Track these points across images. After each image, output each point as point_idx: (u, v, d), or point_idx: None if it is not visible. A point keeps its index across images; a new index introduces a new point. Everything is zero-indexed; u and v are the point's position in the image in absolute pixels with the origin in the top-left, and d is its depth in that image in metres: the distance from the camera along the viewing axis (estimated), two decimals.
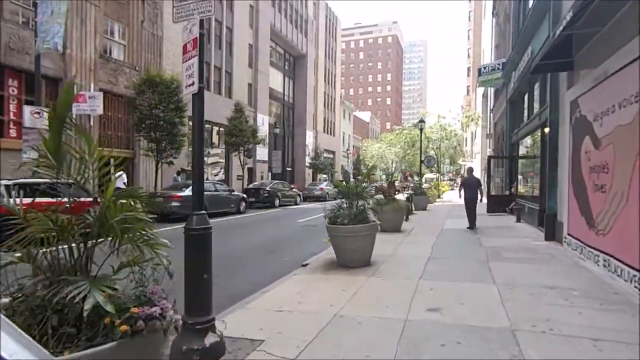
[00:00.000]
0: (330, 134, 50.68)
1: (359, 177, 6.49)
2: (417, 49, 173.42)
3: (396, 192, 9.83)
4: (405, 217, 12.46)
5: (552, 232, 7.81)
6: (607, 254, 5.08)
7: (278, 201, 18.82)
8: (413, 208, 16.12)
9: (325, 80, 48.74)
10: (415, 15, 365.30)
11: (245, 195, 16.17)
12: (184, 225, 2.95)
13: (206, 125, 23.82)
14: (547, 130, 8.79)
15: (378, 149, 54.62)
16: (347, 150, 51.93)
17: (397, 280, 4.94)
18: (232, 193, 15.33)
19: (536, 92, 10.65)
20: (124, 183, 15.98)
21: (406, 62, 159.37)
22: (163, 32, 19.31)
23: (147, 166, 18.05)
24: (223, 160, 25.25)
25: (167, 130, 13.59)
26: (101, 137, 16.53)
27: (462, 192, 10.12)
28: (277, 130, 25.39)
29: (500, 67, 16.37)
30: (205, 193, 13.59)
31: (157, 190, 14.32)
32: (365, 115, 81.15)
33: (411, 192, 18.29)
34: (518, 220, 11.26)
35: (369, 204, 5.99)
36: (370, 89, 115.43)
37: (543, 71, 7.58)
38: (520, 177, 13.83)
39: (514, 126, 14.53)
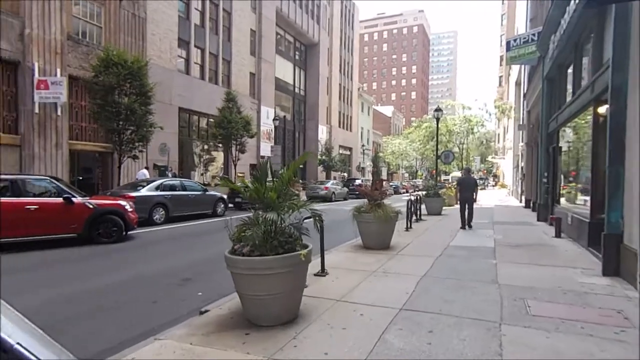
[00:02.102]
0: (347, 129, 47.85)
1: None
2: (446, 41, 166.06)
3: (384, 195, 7.21)
4: (407, 225, 9.83)
5: (616, 263, 4.98)
6: None
7: None
8: (423, 212, 13.37)
9: (340, 71, 45.95)
10: (444, 6, 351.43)
11: (224, 195, 13.93)
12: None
13: (200, 118, 21.93)
14: (601, 109, 5.96)
15: (398, 145, 51.43)
16: (363, 146, 48.95)
17: None
18: (207, 193, 13.16)
19: (586, 57, 7.68)
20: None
21: (434, 54, 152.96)
22: (146, 14, 17.43)
23: (131, 161, 16.25)
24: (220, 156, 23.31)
25: (128, 118, 11.52)
26: (73, 130, 14.82)
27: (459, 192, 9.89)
28: (277, 122, 23.04)
29: (535, 38, 13.22)
30: (168, 193, 11.48)
31: (107, 190, 12.36)
32: (387, 110, 77.41)
33: (422, 192, 15.52)
34: (557, 235, 8.32)
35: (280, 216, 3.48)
36: (394, 82, 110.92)
37: (606, 1, 4.74)
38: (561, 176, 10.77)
39: (551, 111, 11.45)
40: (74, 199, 7.55)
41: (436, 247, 7.09)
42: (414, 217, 11.70)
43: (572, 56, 8.95)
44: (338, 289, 4.36)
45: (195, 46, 21.17)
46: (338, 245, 7.33)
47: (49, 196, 7.50)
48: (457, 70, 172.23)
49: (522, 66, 22.80)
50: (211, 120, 21.90)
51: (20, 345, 0.69)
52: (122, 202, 8.58)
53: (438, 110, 17.97)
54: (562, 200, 10.05)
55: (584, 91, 7.18)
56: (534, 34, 13.52)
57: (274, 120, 22.95)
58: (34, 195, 7.42)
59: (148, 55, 17.61)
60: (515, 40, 14.29)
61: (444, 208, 15.40)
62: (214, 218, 12.85)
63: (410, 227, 9.88)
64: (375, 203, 6.93)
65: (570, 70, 9.52)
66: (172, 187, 11.87)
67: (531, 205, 16.82)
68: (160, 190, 11.38)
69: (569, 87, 9.17)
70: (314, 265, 5.16)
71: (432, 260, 5.87)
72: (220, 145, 19.00)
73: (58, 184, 7.85)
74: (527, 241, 7.80)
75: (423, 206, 13.93)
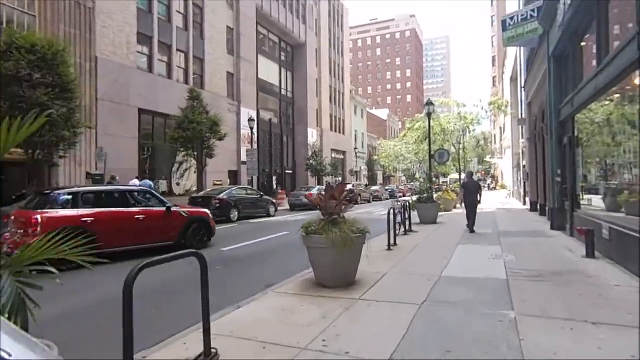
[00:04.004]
0: (339, 132, 45.79)
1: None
2: (439, 46, 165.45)
3: (342, 207, 5.02)
4: (389, 242, 7.62)
5: None
6: None
7: (237, 213, 14.28)
8: (415, 221, 11.22)
9: (331, 73, 44.01)
10: (435, 12, 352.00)
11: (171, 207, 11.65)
12: None
13: (168, 122, 19.75)
14: None
15: (393, 148, 49.43)
16: (356, 149, 46.90)
17: None
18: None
19: (614, 9, 5.62)
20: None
21: (428, 60, 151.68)
22: (94, 3, 15.37)
23: (70, 170, 14.07)
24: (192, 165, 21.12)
25: (38, 115, 9.22)
26: None
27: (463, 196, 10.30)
28: (253, 124, 20.89)
29: (535, 14, 11.26)
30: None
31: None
32: (382, 113, 75.54)
33: (413, 198, 13.39)
34: (590, 254, 6.15)
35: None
36: (389, 86, 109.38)
37: None
38: (581, 170, 8.64)
39: (563, 94, 9.39)
40: (172, 209, 7.91)
41: (422, 281, 4.89)
42: (401, 229, 9.57)
43: (589, 18, 6.91)
44: None
45: (159, 42, 19.10)
46: (285, 280, 5.15)
47: (151, 206, 7.78)
48: (452, 75, 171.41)
49: (518, 60, 20.87)
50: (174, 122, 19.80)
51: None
52: (207, 211, 8.98)
53: (429, 104, 15.90)
54: (592, 203, 7.91)
55: (621, 51, 5.09)
56: (533, 10, 11.57)
57: (249, 121, 20.82)
58: (140, 206, 7.67)
59: (99, 50, 15.55)
60: (512, 19, 12.28)
61: (439, 214, 13.25)
62: None
63: (394, 245, 7.70)
64: (331, 219, 4.75)
65: (584, 43, 7.50)
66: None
67: (538, 208, 14.72)
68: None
69: (591, 56, 7.10)
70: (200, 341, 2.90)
71: (411, 314, 3.65)
72: (183, 149, 16.81)
73: (156, 194, 8.28)
74: (552, 266, 5.61)
75: (415, 213, 11.83)
